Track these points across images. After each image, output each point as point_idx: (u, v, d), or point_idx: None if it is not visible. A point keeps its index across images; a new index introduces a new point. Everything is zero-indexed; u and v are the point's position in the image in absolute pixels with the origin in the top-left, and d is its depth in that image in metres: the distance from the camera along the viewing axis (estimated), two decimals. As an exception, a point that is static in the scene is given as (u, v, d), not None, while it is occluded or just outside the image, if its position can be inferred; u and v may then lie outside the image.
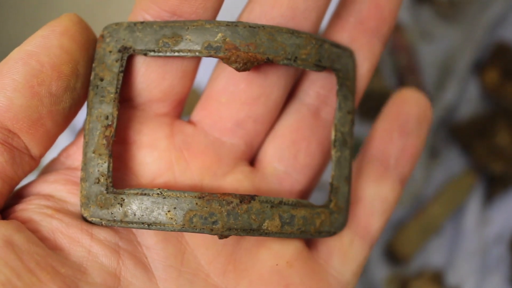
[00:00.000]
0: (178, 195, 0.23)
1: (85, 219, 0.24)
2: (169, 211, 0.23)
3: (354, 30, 0.27)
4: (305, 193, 0.28)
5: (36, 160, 0.24)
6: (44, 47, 0.23)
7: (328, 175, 0.28)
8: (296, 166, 0.27)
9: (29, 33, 0.24)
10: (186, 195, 0.23)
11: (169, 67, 0.25)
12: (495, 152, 0.60)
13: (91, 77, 0.25)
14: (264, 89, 0.26)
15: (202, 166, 0.26)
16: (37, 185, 0.25)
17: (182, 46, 0.24)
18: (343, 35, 0.27)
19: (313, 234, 0.26)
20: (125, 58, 0.25)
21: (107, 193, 0.24)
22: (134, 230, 0.25)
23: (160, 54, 0.24)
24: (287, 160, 0.27)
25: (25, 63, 0.23)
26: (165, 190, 0.24)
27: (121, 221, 0.24)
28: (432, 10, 0.65)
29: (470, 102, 0.63)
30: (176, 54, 0.24)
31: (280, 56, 0.25)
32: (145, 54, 0.24)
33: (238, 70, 0.24)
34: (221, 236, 0.24)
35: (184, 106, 0.27)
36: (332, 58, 0.26)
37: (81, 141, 0.26)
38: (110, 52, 0.25)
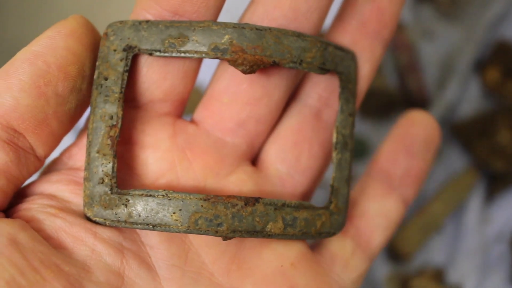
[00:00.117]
0: (183, 197, 0.24)
1: (88, 219, 0.24)
2: (174, 213, 0.23)
3: (356, 33, 0.28)
4: (307, 194, 0.28)
5: (41, 160, 0.24)
6: (51, 48, 0.23)
7: (328, 173, 0.28)
8: (298, 167, 0.27)
9: (29, 33, 0.24)
10: (191, 197, 0.23)
11: (170, 67, 0.25)
12: (496, 150, 0.60)
13: (95, 76, 0.24)
14: (266, 90, 0.27)
15: (205, 166, 0.26)
16: (40, 185, 0.25)
17: (188, 47, 0.24)
18: (345, 38, 0.28)
19: (314, 235, 0.26)
20: (130, 57, 0.24)
21: (112, 193, 0.24)
22: (137, 230, 0.25)
23: (166, 54, 0.24)
24: (289, 161, 0.27)
25: (32, 64, 0.23)
26: (170, 191, 0.24)
27: (126, 222, 0.24)
28: (433, 8, 0.65)
29: (471, 101, 0.63)
30: (182, 55, 0.24)
31: (286, 59, 0.25)
32: (151, 54, 0.24)
33: (244, 72, 0.24)
34: (225, 238, 0.24)
35: (186, 106, 0.27)
36: (335, 61, 0.26)
37: (83, 142, 0.26)
38: (115, 51, 0.24)
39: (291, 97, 0.28)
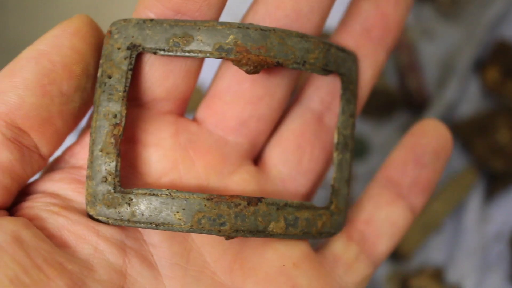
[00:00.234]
0: (187, 196, 0.24)
1: (91, 217, 0.24)
2: (177, 212, 0.23)
3: (359, 38, 0.28)
4: (308, 195, 0.28)
5: (45, 159, 0.24)
6: (56, 47, 0.23)
7: (328, 173, 0.28)
8: (299, 169, 0.28)
9: (30, 32, 0.24)
10: (195, 196, 0.24)
11: (172, 66, 0.25)
12: (495, 150, 0.60)
13: (98, 74, 0.24)
14: (268, 89, 0.27)
15: (208, 165, 0.26)
16: (42, 183, 0.25)
17: (193, 46, 0.24)
18: (349, 43, 0.28)
19: (315, 235, 0.26)
20: (134, 56, 0.24)
21: (115, 192, 0.24)
22: (140, 228, 0.25)
23: (170, 53, 0.24)
24: (291, 163, 0.27)
25: (37, 62, 0.23)
26: (173, 191, 0.24)
27: (129, 221, 0.24)
28: (433, 8, 0.65)
29: (470, 100, 0.63)
30: (187, 54, 0.24)
31: (289, 60, 0.25)
32: (155, 53, 0.24)
33: (248, 72, 0.24)
34: (228, 237, 0.24)
35: (188, 104, 0.27)
36: (338, 62, 0.26)
37: (85, 140, 0.26)
38: (119, 49, 0.24)
39: (294, 100, 0.29)
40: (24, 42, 0.24)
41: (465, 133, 0.61)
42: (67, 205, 0.24)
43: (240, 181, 0.26)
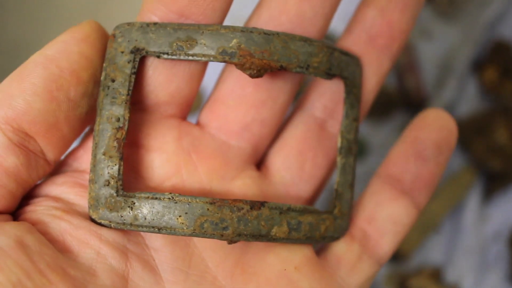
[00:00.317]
0: (189, 200, 0.23)
1: (93, 221, 0.24)
2: (180, 216, 0.23)
3: (364, 46, 0.28)
4: (311, 201, 0.28)
5: (50, 164, 0.24)
6: (64, 53, 0.23)
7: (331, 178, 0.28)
8: (302, 175, 0.28)
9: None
10: (197, 200, 0.23)
11: (176, 70, 0.25)
12: (493, 149, 0.60)
13: (102, 77, 0.24)
14: (271, 93, 0.27)
15: (210, 170, 0.26)
16: (45, 187, 0.25)
17: (196, 50, 0.24)
18: (354, 50, 0.28)
19: (318, 239, 0.26)
20: (138, 59, 0.24)
21: (117, 196, 0.24)
22: (142, 232, 0.25)
23: (174, 57, 0.24)
24: (294, 169, 0.27)
25: (45, 68, 0.23)
26: (176, 195, 0.24)
27: (131, 225, 0.24)
28: (431, 8, 0.65)
29: (469, 100, 0.64)
30: (190, 58, 0.24)
31: (293, 64, 0.25)
32: (158, 57, 0.24)
33: (252, 76, 0.24)
34: (231, 242, 0.24)
35: (190, 109, 0.27)
36: (341, 66, 0.26)
37: (88, 144, 0.26)
38: (122, 52, 0.24)
39: (296, 106, 0.29)
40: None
41: (464, 133, 0.61)
42: (69, 209, 0.24)
43: (243, 186, 0.26)
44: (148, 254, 0.24)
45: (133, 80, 0.24)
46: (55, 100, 0.23)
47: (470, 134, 0.61)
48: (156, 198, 0.24)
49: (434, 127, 0.28)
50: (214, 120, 0.27)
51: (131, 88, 0.24)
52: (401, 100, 0.63)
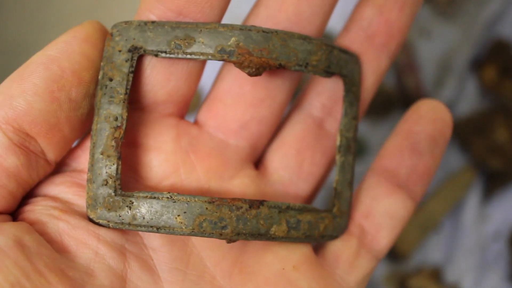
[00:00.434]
0: (188, 200, 0.23)
1: (91, 221, 0.24)
2: (179, 215, 0.23)
3: (362, 44, 0.27)
4: (309, 199, 0.28)
5: (51, 165, 0.24)
6: (66, 53, 0.23)
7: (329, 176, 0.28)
8: (300, 174, 0.28)
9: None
10: (196, 199, 0.23)
11: (174, 69, 0.25)
12: (493, 148, 0.60)
13: (99, 76, 0.24)
14: (269, 92, 0.27)
15: (209, 169, 0.26)
16: (43, 186, 0.25)
17: (194, 48, 0.24)
18: (352, 48, 0.28)
19: (317, 238, 0.26)
20: (135, 58, 0.24)
21: (116, 195, 0.24)
22: (140, 232, 0.24)
23: (172, 55, 0.24)
24: (292, 168, 0.27)
25: (46, 68, 0.23)
26: (175, 194, 0.23)
27: (130, 224, 0.23)
28: (430, 7, 0.65)
29: (468, 99, 0.64)
30: (188, 56, 0.24)
31: (292, 62, 0.25)
32: (156, 55, 0.24)
33: (251, 75, 0.24)
34: (230, 241, 0.24)
35: (188, 107, 0.27)
36: (340, 64, 0.26)
37: (86, 144, 0.25)
38: (120, 51, 0.24)
39: (294, 105, 0.29)
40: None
41: (463, 132, 0.61)
42: (67, 209, 0.24)
43: (241, 185, 0.26)
44: (146, 254, 0.24)
45: (131, 79, 0.24)
46: (57, 100, 0.23)
47: (469, 133, 0.61)
48: (154, 198, 0.23)
49: (428, 119, 0.28)
50: (212, 119, 0.27)
51: (129, 87, 0.24)
52: (401, 100, 0.63)
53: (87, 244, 0.23)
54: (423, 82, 0.63)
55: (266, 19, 0.26)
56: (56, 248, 0.22)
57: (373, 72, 0.28)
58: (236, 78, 0.26)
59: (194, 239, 0.25)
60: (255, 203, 0.24)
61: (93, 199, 0.24)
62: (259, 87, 0.26)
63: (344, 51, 0.26)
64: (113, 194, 0.24)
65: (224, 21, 0.25)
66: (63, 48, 0.23)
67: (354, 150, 0.27)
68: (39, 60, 0.23)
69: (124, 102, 0.24)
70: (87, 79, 0.24)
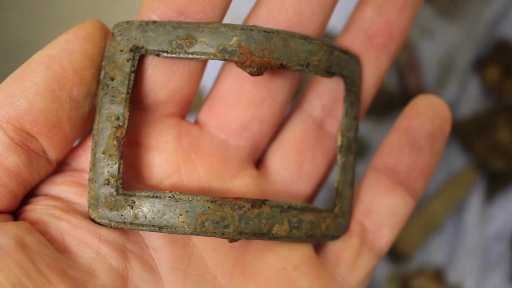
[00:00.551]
0: (190, 199, 0.23)
1: (93, 220, 0.24)
2: (181, 215, 0.23)
3: (362, 45, 0.27)
4: (309, 199, 0.28)
5: (52, 164, 0.24)
6: (67, 52, 0.23)
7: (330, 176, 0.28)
8: (301, 174, 0.28)
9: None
10: (198, 198, 0.23)
11: (175, 68, 0.25)
12: (496, 149, 0.60)
13: (101, 76, 0.24)
14: (270, 92, 0.27)
15: (210, 169, 0.26)
16: (44, 186, 0.25)
17: (196, 48, 0.24)
18: (352, 49, 0.28)
19: (319, 238, 0.26)
20: (137, 58, 0.24)
21: (117, 194, 0.24)
22: (141, 231, 0.24)
23: (174, 55, 0.24)
24: (293, 168, 0.27)
25: (47, 67, 0.23)
26: (177, 193, 0.23)
27: (131, 223, 0.23)
28: (432, 7, 0.65)
29: (470, 99, 0.63)
30: (190, 56, 0.24)
31: (293, 62, 0.25)
32: (158, 55, 0.24)
33: (252, 74, 0.24)
34: (232, 240, 0.24)
35: (190, 107, 0.27)
36: (341, 65, 0.26)
37: (87, 143, 0.25)
38: (121, 51, 0.24)
39: (295, 105, 0.29)
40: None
41: (465, 133, 0.61)
42: (69, 208, 0.24)
43: (242, 185, 0.26)
44: (147, 254, 0.24)
45: (132, 78, 0.24)
46: (58, 99, 0.23)
47: (472, 133, 0.61)
48: (156, 197, 0.23)
49: (427, 115, 0.28)
50: (213, 119, 0.27)
51: (130, 86, 0.24)
52: (402, 100, 0.62)
53: (89, 244, 0.23)
54: (425, 82, 0.63)
55: (266, 19, 0.26)
56: (57, 248, 0.22)
57: (373, 73, 0.28)
58: (237, 78, 0.26)
59: (195, 239, 0.25)
60: (257, 203, 0.24)
61: (95, 198, 0.24)
62: (260, 87, 0.26)
63: (345, 52, 0.26)
64: (115, 193, 0.24)
65: (225, 21, 0.25)
66: (64, 47, 0.23)
67: (355, 150, 0.27)
68: (40, 59, 0.23)
69: (125, 101, 0.24)
70: (88, 78, 0.23)
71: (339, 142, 0.27)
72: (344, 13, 0.29)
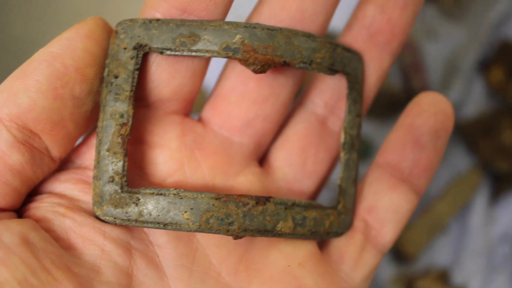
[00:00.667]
0: (195, 196, 0.23)
1: (97, 218, 0.24)
2: (185, 212, 0.23)
3: (365, 43, 0.28)
4: (312, 197, 0.28)
5: (55, 162, 0.24)
6: (69, 50, 0.23)
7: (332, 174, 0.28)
8: (304, 172, 0.28)
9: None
10: (203, 196, 0.23)
11: (179, 66, 0.25)
12: (500, 150, 0.60)
13: (105, 74, 0.24)
14: (273, 89, 0.27)
15: (213, 166, 0.26)
16: (48, 183, 0.25)
17: (200, 46, 0.24)
18: (354, 47, 0.28)
19: (323, 235, 0.26)
20: (141, 55, 0.24)
21: (122, 192, 0.24)
22: (146, 229, 0.25)
23: (177, 53, 0.24)
24: (296, 165, 0.28)
25: (49, 65, 0.23)
26: (181, 190, 0.24)
27: (136, 221, 0.23)
28: (437, 8, 0.65)
29: (475, 101, 0.63)
30: (194, 54, 0.24)
31: (296, 59, 0.25)
32: (161, 53, 0.24)
33: (256, 72, 0.24)
34: (236, 237, 0.24)
35: (193, 105, 0.27)
36: (344, 62, 0.26)
37: (91, 141, 0.26)
38: (125, 49, 0.24)
39: (298, 103, 0.29)
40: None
41: (470, 134, 0.61)
42: (73, 206, 0.24)
43: (246, 182, 0.26)
44: (152, 251, 0.24)
45: (136, 76, 0.24)
46: (60, 97, 0.23)
47: (476, 135, 0.61)
48: (161, 194, 0.24)
49: (429, 112, 0.28)
50: (217, 116, 0.27)
51: (134, 84, 0.24)
52: (407, 101, 0.62)
53: (93, 241, 0.23)
54: (429, 83, 0.63)
55: (269, 17, 0.26)
56: (62, 245, 0.22)
57: (375, 70, 0.28)
58: (240, 76, 0.26)
59: (200, 236, 0.25)
60: (262, 200, 0.24)
61: (99, 196, 0.24)
62: (263, 85, 0.26)
63: (348, 49, 0.27)
64: (119, 191, 0.24)
65: (228, 19, 0.25)
66: (66, 45, 0.23)
67: (358, 148, 0.27)
68: (42, 57, 0.23)
69: (130, 99, 0.24)
70: (90, 76, 0.23)
71: (342, 139, 0.27)
72: (346, 13, 0.29)
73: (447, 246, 0.60)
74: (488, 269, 0.59)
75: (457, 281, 0.58)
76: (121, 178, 0.24)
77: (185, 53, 0.24)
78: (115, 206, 0.24)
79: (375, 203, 0.27)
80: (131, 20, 0.25)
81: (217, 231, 0.23)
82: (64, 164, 0.26)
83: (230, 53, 0.24)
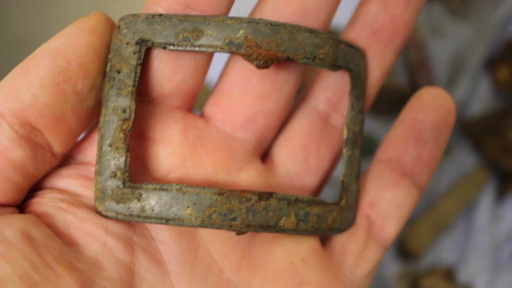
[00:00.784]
0: (198, 191, 0.23)
1: (99, 213, 0.24)
2: (188, 207, 0.23)
3: (367, 40, 0.28)
4: (315, 193, 0.28)
5: (57, 157, 0.24)
6: (72, 45, 0.23)
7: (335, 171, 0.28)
8: (306, 168, 0.28)
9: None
10: (206, 191, 0.23)
11: (181, 61, 0.25)
12: (506, 149, 0.60)
13: (107, 69, 0.24)
14: (276, 85, 0.27)
15: (216, 162, 0.26)
16: (50, 179, 0.25)
17: (203, 41, 0.24)
18: (357, 43, 0.28)
19: (325, 231, 0.26)
20: (143, 50, 0.24)
21: (124, 187, 0.24)
22: (148, 224, 0.24)
23: (180, 48, 0.24)
24: (298, 162, 0.28)
25: (52, 60, 0.23)
26: (184, 185, 0.24)
27: (138, 216, 0.23)
28: (443, 6, 0.65)
29: (481, 99, 0.63)
30: (197, 49, 0.24)
31: (300, 55, 0.25)
32: (164, 48, 0.24)
33: (259, 67, 0.24)
34: (239, 233, 0.24)
35: (196, 100, 0.27)
36: (346, 59, 0.26)
37: (93, 136, 0.26)
38: (127, 44, 0.24)
39: (300, 99, 0.29)
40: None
41: (476, 132, 0.61)
42: (75, 201, 0.24)
43: (248, 178, 0.26)
44: (154, 247, 0.24)
45: (139, 71, 0.24)
46: (62, 93, 0.23)
47: (482, 133, 0.61)
48: (164, 189, 0.24)
49: (431, 107, 0.28)
50: (219, 112, 0.27)
51: (137, 79, 0.24)
52: (412, 98, 0.62)
53: (95, 237, 0.23)
54: (435, 81, 0.63)
55: (272, 13, 0.26)
56: (64, 240, 0.22)
57: (378, 67, 0.28)
58: (243, 72, 0.26)
59: (202, 232, 0.25)
60: (265, 195, 0.24)
61: (102, 191, 0.24)
62: (266, 81, 0.26)
63: (351, 46, 0.27)
64: (121, 186, 0.24)
65: (231, 15, 0.25)
66: (68, 40, 0.23)
67: (360, 144, 0.27)
68: (44, 52, 0.23)
69: (132, 94, 0.24)
70: (93, 71, 0.23)
71: (345, 136, 0.27)
72: (349, 10, 0.29)
73: (452, 244, 0.60)
74: (494, 267, 0.58)
75: (463, 279, 0.58)
76: (123, 173, 0.24)
77: (188, 48, 0.24)
78: (117, 201, 0.24)
79: (377, 198, 0.27)
80: (133, 15, 0.25)
81: (220, 227, 0.23)
82: (66, 160, 0.26)
83: (234, 48, 0.24)
